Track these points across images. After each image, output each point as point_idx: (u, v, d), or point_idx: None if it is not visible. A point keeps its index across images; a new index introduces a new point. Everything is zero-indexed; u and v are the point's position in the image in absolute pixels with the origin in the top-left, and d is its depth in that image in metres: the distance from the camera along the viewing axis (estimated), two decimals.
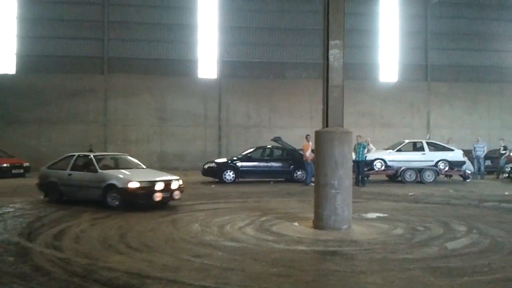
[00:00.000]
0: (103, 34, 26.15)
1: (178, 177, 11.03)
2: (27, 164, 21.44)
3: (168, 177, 10.94)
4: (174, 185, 10.60)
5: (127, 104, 26.12)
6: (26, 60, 25.72)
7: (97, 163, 11.24)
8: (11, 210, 10.19)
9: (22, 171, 20.94)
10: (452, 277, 5.12)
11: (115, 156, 13.19)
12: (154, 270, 5.40)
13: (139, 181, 10.24)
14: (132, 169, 11.67)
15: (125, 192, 10.16)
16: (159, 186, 10.32)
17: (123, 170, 11.25)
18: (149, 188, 10.25)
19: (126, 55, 26.20)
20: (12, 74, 25.82)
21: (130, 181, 10.21)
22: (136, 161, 12.46)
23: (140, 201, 10.25)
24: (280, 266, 5.57)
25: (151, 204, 10.27)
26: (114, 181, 10.38)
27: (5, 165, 20.42)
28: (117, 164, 12.22)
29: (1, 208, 10.36)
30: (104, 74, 26.19)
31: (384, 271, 5.32)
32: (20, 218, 9.03)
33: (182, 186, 10.94)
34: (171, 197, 10.56)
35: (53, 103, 25.54)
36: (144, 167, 12.16)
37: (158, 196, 10.23)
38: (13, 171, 20.47)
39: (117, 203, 10.30)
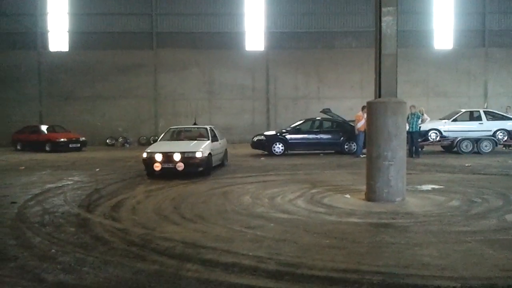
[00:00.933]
0: (151, 9, 26.46)
1: (193, 151, 11.31)
2: (83, 138, 22.27)
3: (175, 149, 11.40)
4: (176, 157, 11.04)
5: (176, 78, 26.50)
6: (78, 37, 26.48)
7: (168, 134, 13.33)
8: (70, 183, 10.65)
9: (78, 145, 21.80)
10: (510, 250, 4.92)
11: (192, 128, 14.55)
12: (208, 240, 5.49)
13: (147, 152, 11.31)
14: (181, 141, 12.75)
15: (142, 161, 11.43)
16: (158, 157, 11.08)
17: (167, 141, 12.67)
18: (150, 159, 11.16)
19: (174, 29, 26.44)
20: (65, 51, 26.68)
21: (144, 152, 11.46)
22: (208, 132, 12.99)
23: (147, 170, 11.35)
24: (332, 238, 5.53)
25: (154, 173, 11.26)
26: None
27: (62, 139, 21.31)
28: (191, 135, 13.56)
29: (61, 181, 10.85)
30: (153, 49, 26.59)
31: (440, 244, 5.18)
32: (78, 191, 9.42)
33: (197, 159, 11.17)
34: (174, 168, 11.05)
35: (105, 79, 26.28)
36: (207, 139, 12.54)
37: (157, 167, 11.09)
38: (70, 145, 21.33)
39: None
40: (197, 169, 11.22)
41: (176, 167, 10.99)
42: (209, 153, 11.65)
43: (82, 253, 5.02)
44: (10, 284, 4.10)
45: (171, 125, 16.42)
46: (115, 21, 26.28)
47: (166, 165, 11.05)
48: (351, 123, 17.93)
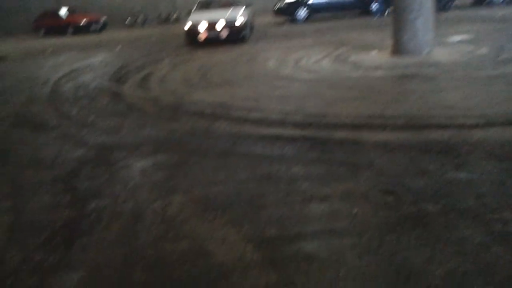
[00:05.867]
0: None
1: (234, 18, 11.49)
2: (105, 18, 21.87)
3: (217, 17, 11.54)
4: (219, 26, 11.29)
5: None
6: None
7: (199, 6, 13.27)
8: (97, 61, 10.81)
9: (100, 26, 21.52)
10: None
11: None
12: (236, 101, 5.66)
13: (190, 23, 11.56)
14: (217, 10, 12.52)
15: (185, 32, 11.80)
16: (202, 27, 11.37)
17: (203, 12, 12.48)
18: (193, 29, 11.48)
19: None
20: None
21: (187, 22, 11.72)
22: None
23: (190, 40, 11.72)
24: (357, 91, 5.62)
25: (199, 43, 11.62)
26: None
27: (84, 22, 21.05)
28: (220, 5, 13.17)
29: (88, 60, 11.03)
30: None
31: (465, 88, 5.21)
32: (106, 68, 9.59)
33: (238, 26, 11.45)
34: (217, 37, 11.40)
35: None
36: (240, 7, 12.62)
37: (201, 36, 11.45)
38: (92, 27, 21.12)
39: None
40: (238, 36, 11.60)
41: (219, 35, 11.36)
42: (247, 19, 12.04)
43: (118, 119, 5.29)
44: (56, 147, 4.43)
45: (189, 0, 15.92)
46: None
47: (210, 34, 11.40)
48: None
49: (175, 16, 24.81)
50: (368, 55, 8.06)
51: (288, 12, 17.19)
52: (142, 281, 2.18)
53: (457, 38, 8.99)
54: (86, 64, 10.28)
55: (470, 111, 4.32)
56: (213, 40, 11.40)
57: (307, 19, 16.95)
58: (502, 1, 15.81)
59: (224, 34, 11.34)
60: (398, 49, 7.55)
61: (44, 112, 5.99)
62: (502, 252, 2.17)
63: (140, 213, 2.85)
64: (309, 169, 3.35)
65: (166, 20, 24.75)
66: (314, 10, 17.05)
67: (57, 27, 21.28)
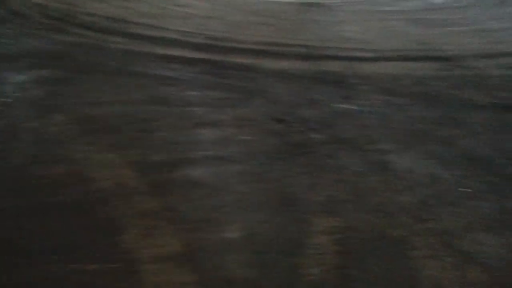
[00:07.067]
0: None
1: None
2: None
3: None
4: None
5: None
6: None
7: None
8: None
9: None
10: (429, 27, 5.17)
11: None
12: (134, 16, 5.31)
13: None
14: None
15: None
16: None
17: None
18: None
19: None
20: None
21: None
22: None
23: None
24: (261, 16, 5.52)
25: None
26: None
27: None
28: None
29: None
30: None
31: (364, 21, 5.35)
32: None
33: None
34: None
35: None
36: None
37: None
38: None
39: None
40: None
41: None
42: None
43: None
44: None
45: None
46: None
47: None
48: None
49: None
50: None
51: None
52: (7, 207, 2.01)
53: None
54: None
55: (364, 45, 4.45)
56: None
57: None
58: None
59: None
60: None
61: None
62: (377, 180, 2.29)
63: (14, 132, 2.62)
64: (204, 93, 3.27)
65: None
66: None
67: None
